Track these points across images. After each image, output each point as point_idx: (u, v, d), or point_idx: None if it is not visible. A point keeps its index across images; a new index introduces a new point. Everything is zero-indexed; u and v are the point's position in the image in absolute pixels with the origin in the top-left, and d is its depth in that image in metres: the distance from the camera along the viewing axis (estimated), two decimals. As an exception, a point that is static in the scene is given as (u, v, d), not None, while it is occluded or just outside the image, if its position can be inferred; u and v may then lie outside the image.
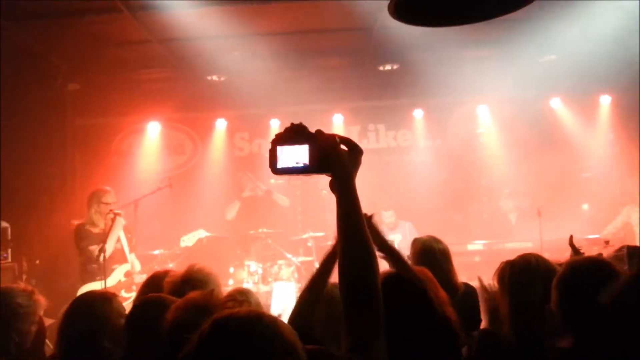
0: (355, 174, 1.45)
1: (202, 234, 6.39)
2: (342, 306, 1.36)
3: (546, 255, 2.35)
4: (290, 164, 1.44)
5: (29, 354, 2.66)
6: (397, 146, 8.68)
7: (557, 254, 3.27)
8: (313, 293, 1.98)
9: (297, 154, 1.43)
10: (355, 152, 1.47)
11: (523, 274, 2.14)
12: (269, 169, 1.45)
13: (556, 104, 8.43)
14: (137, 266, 5.70)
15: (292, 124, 1.45)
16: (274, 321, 1.07)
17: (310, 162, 1.42)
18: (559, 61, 7.25)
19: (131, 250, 5.72)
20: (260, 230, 7.07)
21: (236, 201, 7.32)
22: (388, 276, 1.87)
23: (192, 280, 2.52)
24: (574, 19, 5.98)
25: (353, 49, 7.13)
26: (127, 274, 5.55)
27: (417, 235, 3.75)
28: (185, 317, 1.72)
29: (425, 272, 2.18)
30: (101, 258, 5.08)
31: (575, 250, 2.82)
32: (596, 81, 7.39)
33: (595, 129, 8.42)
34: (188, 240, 6.28)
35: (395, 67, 7.38)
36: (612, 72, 6.95)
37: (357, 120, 8.34)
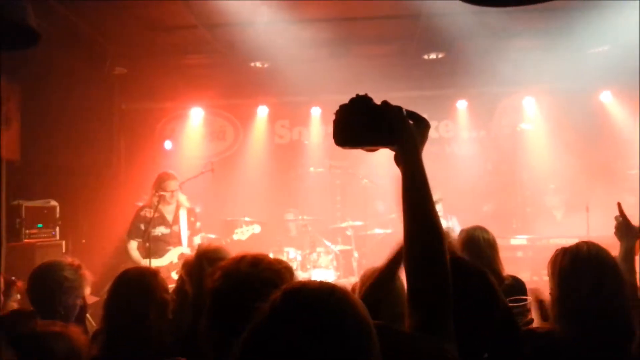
0: (422, 147, 1.41)
1: (257, 229, 6.38)
2: (408, 284, 1.32)
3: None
4: (355, 136, 1.40)
5: (73, 328, 2.75)
6: (439, 137, 8.55)
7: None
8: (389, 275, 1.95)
9: (362, 126, 1.39)
10: (422, 125, 1.44)
11: (572, 260, 2.06)
12: (333, 141, 1.40)
13: (606, 97, 8.15)
14: None
15: (357, 95, 1.41)
16: (346, 294, 1.05)
17: (375, 134, 1.39)
18: (611, 53, 6.98)
19: (194, 234, 5.79)
20: (300, 217, 7.11)
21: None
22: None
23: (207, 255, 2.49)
24: (629, 8, 5.74)
25: (399, 37, 7.04)
26: (181, 257, 5.57)
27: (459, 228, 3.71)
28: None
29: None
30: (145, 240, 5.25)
31: (624, 218, 2.70)
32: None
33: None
34: (242, 233, 6.30)
35: (440, 56, 7.26)
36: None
37: (399, 110, 8.24)
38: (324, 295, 1.02)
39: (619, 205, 2.55)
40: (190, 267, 2.41)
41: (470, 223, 3.73)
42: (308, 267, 6.62)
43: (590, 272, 1.99)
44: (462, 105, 8.42)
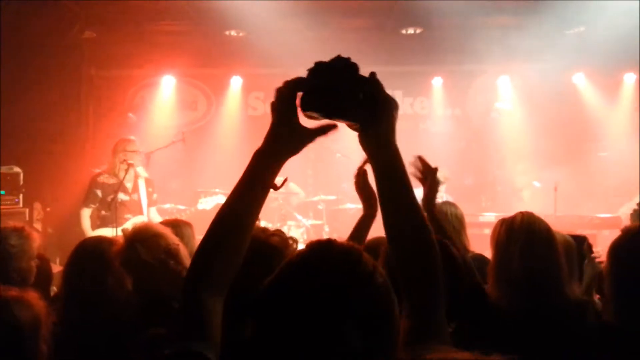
0: (394, 128, 1.26)
1: (221, 199, 6.31)
2: (398, 273, 1.21)
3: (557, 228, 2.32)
4: (327, 104, 1.20)
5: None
6: (413, 114, 8.56)
7: (571, 228, 3.25)
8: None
9: (339, 95, 1.20)
10: (395, 105, 1.29)
11: (507, 229, 2.13)
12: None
13: (579, 79, 8.24)
14: (157, 220, 5.70)
15: (340, 57, 1.22)
16: (370, 257, 1.05)
17: (353, 108, 1.20)
18: (587, 34, 7.02)
19: (150, 204, 5.71)
20: (271, 190, 7.06)
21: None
22: None
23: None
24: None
25: (377, 11, 6.95)
26: None
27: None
28: None
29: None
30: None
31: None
32: (623, 58, 7.18)
33: (617, 108, 8.24)
34: (206, 203, 6.26)
35: (418, 31, 7.21)
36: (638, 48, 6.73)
37: (375, 85, 8.20)
38: (353, 253, 1.03)
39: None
40: (124, 255, 2.30)
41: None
42: (278, 240, 6.60)
43: (521, 239, 2.06)
44: (437, 82, 8.41)
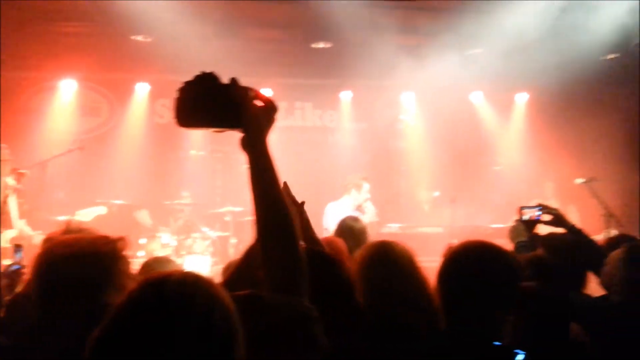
0: (269, 132, 1.37)
1: (102, 210, 6.03)
2: (264, 260, 1.35)
3: (454, 240, 2.44)
4: (199, 116, 1.32)
5: None
6: (322, 126, 8.71)
7: (467, 238, 3.43)
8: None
9: (206, 106, 1.31)
10: (269, 108, 1.38)
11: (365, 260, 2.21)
12: (175, 121, 1.33)
13: (476, 97, 8.78)
14: (28, 233, 5.30)
15: (202, 72, 1.33)
16: (211, 284, 1.01)
17: (220, 115, 1.31)
18: (484, 56, 7.50)
19: (21, 216, 5.31)
20: (176, 201, 6.89)
21: None
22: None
23: None
24: (501, 14, 6.19)
25: (288, 23, 7.02)
26: (12, 241, 5.01)
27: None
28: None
29: (337, 241, 2.39)
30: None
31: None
32: (516, 79, 7.74)
33: (509, 125, 8.87)
34: (85, 215, 5.84)
35: (327, 45, 7.34)
36: (530, 72, 7.28)
37: (284, 97, 8.24)
38: (188, 287, 0.96)
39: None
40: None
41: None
42: (182, 253, 6.43)
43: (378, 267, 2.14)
44: (346, 96, 8.62)
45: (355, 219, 3.63)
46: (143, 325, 0.91)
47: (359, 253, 2.24)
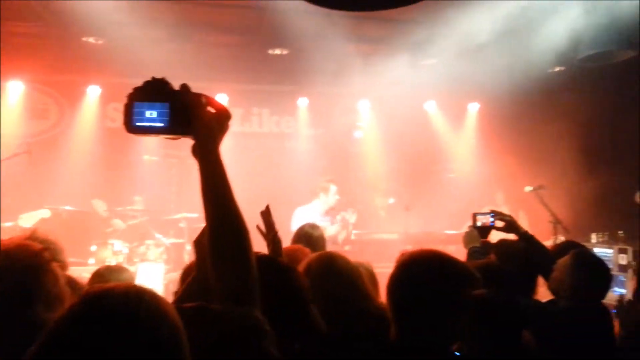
0: (221, 139, 1.35)
1: (45, 213, 5.85)
2: (213, 267, 1.33)
3: (409, 247, 2.47)
4: (148, 122, 1.29)
5: None
6: (279, 132, 8.70)
7: (419, 245, 3.49)
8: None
9: (156, 112, 1.28)
10: (222, 115, 1.37)
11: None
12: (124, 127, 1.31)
13: (430, 106, 8.95)
14: None
15: (153, 78, 1.31)
16: (156, 298, 0.97)
17: (171, 122, 1.29)
18: (438, 65, 7.66)
19: None
20: (129, 208, 6.72)
21: None
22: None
23: None
24: (454, 25, 6.34)
25: (244, 29, 6.97)
26: None
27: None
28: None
29: (300, 249, 2.45)
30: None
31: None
32: (468, 89, 7.95)
33: (462, 134, 9.08)
34: (28, 219, 5.68)
35: (284, 52, 7.33)
36: (481, 82, 7.48)
37: (241, 103, 8.20)
38: (132, 302, 0.92)
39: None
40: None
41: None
42: (135, 260, 6.27)
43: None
44: (303, 102, 8.64)
45: (314, 226, 3.64)
46: (83, 341, 0.87)
47: (303, 264, 2.22)
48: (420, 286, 1.71)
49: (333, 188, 5.86)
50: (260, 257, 1.84)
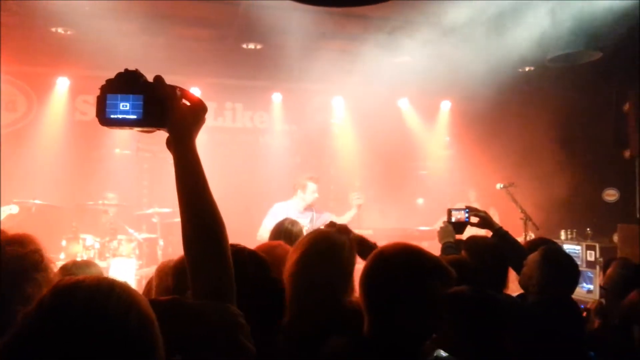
0: (197, 132, 1.35)
1: (14, 209, 5.75)
2: (190, 262, 1.32)
3: (381, 242, 2.48)
4: (122, 114, 1.28)
5: None
6: (253, 127, 8.66)
7: (393, 240, 3.51)
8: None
9: (130, 104, 1.27)
10: (197, 107, 1.35)
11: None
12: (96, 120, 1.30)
13: (403, 104, 9.02)
14: None
15: (126, 70, 1.30)
16: (127, 290, 0.96)
17: (145, 114, 1.27)
18: (411, 63, 7.71)
19: None
20: (100, 202, 6.61)
21: None
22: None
23: None
24: (427, 23, 6.40)
25: (218, 22, 6.90)
26: None
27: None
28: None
29: (281, 245, 2.47)
30: None
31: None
32: (440, 87, 8.02)
33: (435, 131, 9.17)
34: None
35: (258, 47, 7.29)
36: (454, 80, 7.56)
37: (215, 97, 8.13)
38: (102, 293, 0.92)
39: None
40: None
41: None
42: (107, 255, 6.18)
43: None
44: (277, 98, 8.61)
45: (293, 222, 3.63)
46: (52, 333, 0.86)
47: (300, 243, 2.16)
48: (392, 279, 1.70)
49: (311, 186, 5.86)
50: (233, 249, 1.84)
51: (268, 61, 7.52)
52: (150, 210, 6.84)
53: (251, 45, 7.29)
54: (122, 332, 0.90)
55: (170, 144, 1.33)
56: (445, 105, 9.17)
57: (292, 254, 2.14)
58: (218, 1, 6.25)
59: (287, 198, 6.01)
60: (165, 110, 1.29)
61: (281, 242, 2.73)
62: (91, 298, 0.91)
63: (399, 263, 1.73)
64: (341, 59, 7.46)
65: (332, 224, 2.44)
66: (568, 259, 2.85)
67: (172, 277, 2.01)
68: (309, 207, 5.79)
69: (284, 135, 8.66)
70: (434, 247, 3.25)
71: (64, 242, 6.15)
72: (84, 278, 0.95)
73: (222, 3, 6.31)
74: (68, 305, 0.89)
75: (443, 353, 1.87)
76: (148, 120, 1.29)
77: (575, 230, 6.85)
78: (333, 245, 2.11)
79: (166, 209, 6.76)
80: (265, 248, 2.45)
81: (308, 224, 5.56)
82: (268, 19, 6.08)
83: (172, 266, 2.03)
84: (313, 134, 8.67)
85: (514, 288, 3.06)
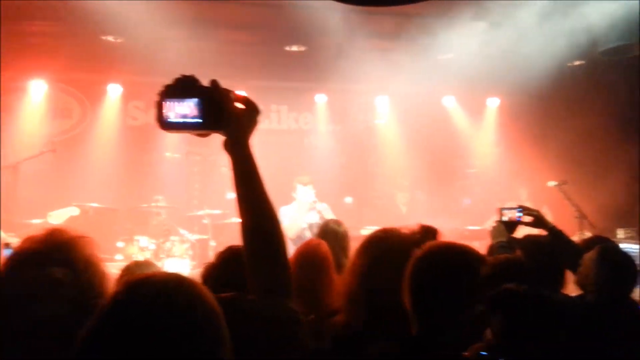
0: (251, 133, 1.38)
1: (74, 211, 5.89)
2: (250, 266, 1.35)
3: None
4: (180, 119, 1.31)
5: None
6: (298, 128, 8.71)
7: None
8: None
9: (187, 109, 1.31)
10: (252, 110, 1.40)
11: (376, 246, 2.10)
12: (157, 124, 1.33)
13: (449, 102, 8.88)
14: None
15: (183, 75, 1.34)
16: (195, 285, 1.01)
17: (202, 118, 1.31)
18: (456, 60, 7.59)
19: None
20: (153, 204, 6.79)
21: None
22: None
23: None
24: (474, 19, 6.28)
25: (261, 25, 6.98)
26: None
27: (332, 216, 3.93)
28: None
29: (321, 244, 2.55)
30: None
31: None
32: (487, 84, 7.85)
33: (482, 129, 8.99)
34: (57, 216, 5.70)
35: (302, 49, 7.34)
36: (502, 76, 7.39)
37: (260, 100, 7.87)
38: (170, 288, 0.97)
39: None
40: None
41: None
42: (162, 256, 6.34)
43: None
44: (321, 99, 8.63)
45: (338, 223, 3.66)
46: (126, 325, 0.93)
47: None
48: (440, 278, 1.67)
49: (300, 188, 5.88)
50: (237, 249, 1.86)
51: (311, 62, 7.56)
52: (201, 212, 6.97)
53: (294, 47, 7.35)
54: (190, 323, 0.95)
55: (227, 146, 1.36)
56: (493, 102, 8.97)
57: (360, 253, 2.07)
58: (261, 5, 6.32)
59: (333, 198, 6.03)
60: (222, 113, 1.33)
61: (321, 240, 2.79)
62: (161, 292, 0.96)
63: (447, 262, 1.71)
64: (384, 58, 7.41)
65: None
66: (626, 257, 2.75)
67: (215, 274, 2.06)
68: (312, 206, 5.82)
69: (329, 136, 8.67)
70: (485, 247, 3.19)
71: (121, 244, 6.34)
72: (154, 274, 1.02)
73: (265, 6, 6.38)
74: (140, 298, 0.95)
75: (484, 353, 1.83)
76: (206, 123, 1.32)
77: (634, 228, 6.57)
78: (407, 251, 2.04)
79: (216, 210, 6.88)
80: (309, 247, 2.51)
81: (318, 220, 5.58)
82: (310, 21, 6.11)
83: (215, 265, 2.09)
84: (358, 133, 8.65)
85: (572, 288, 2.97)
